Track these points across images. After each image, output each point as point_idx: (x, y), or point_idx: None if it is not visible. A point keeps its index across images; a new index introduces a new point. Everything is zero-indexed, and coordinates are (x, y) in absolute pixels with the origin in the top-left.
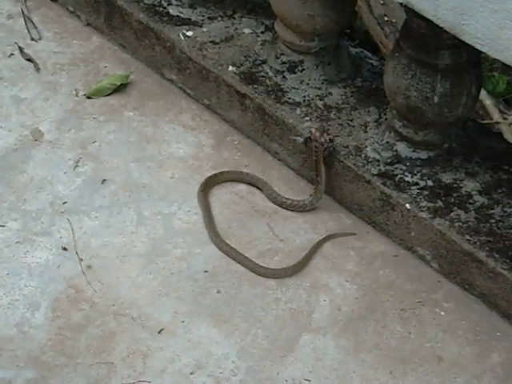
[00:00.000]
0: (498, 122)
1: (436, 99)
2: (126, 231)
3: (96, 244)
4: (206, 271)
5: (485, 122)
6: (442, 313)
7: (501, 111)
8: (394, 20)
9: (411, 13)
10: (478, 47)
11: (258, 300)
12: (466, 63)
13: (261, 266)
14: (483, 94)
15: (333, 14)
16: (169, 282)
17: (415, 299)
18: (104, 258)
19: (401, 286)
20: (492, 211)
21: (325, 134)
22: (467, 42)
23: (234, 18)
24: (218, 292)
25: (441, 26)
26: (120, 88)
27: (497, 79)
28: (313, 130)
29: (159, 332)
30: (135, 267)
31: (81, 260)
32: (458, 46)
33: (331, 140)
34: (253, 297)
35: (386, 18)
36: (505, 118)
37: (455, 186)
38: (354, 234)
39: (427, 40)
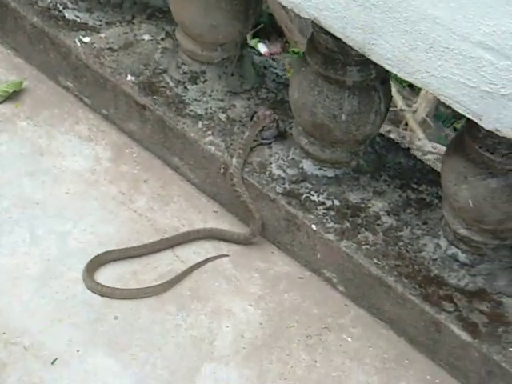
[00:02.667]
0: (402, 110)
1: (343, 117)
2: (18, 252)
3: None
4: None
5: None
6: (349, 339)
7: (405, 98)
8: None
9: (318, 28)
10: (388, 68)
11: (157, 327)
12: (375, 80)
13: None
14: None
15: (236, 23)
16: (63, 307)
17: (321, 325)
18: None
19: (307, 310)
20: (400, 233)
21: (270, 112)
22: (376, 62)
23: (133, 24)
24: (115, 318)
25: (349, 44)
26: (13, 95)
27: None
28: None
29: (52, 362)
30: (27, 291)
31: None
32: (367, 62)
33: (275, 120)
34: (152, 323)
35: None
36: (409, 106)
37: (363, 205)
38: (227, 255)
39: (335, 56)
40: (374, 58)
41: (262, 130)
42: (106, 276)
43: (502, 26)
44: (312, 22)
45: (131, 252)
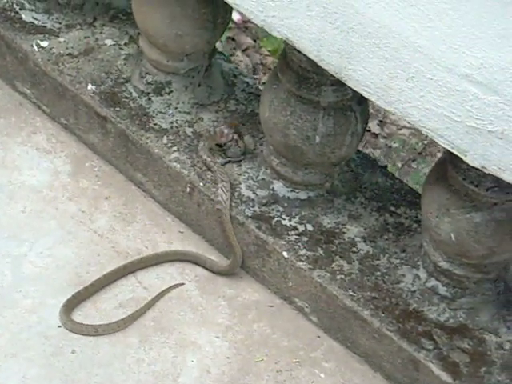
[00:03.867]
0: None
1: (317, 139)
2: None
3: None
4: (59, 326)
5: None
6: (322, 375)
7: None
8: None
9: (291, 45)
10: (366, 95)
11: (117, 361)
12: (351, 100)
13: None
14: None
15: (204, 33)
16: (17, 339)
17: (292, 358)
18: None
19: (277, 342)
20: (377, 262)
21: (228, 130)
22: (353, 88)
23: (94, 27)
24: (73, 352)
25: (324, 68)
26: None
27: None
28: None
29: None
30: None
31: None
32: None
33: (234, 139)
34: (112, 357)
35: None
36: None
37: (337, 230)
38: (182, 283)
39: (309, 75)
40: (350, 84)
41: (220, 146)
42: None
43: (490, 58)
44: (284, 42)
45: (110, 279)
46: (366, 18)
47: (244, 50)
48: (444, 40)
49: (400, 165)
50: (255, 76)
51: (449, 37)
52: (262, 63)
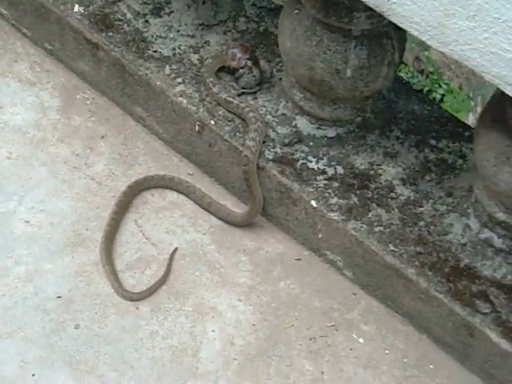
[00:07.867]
0: None
1: (349, 72)
2: None
3: None
4: (59, 297)
5: None
6: (361, 339)
7: None
8: None
9: None
10: (416, 34)
11: (128, 336)
12: (388, 25)
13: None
14: None
15: None
16: (12, 315)
17: (326, 322)
18: None
19: (307, 302)
20: (420, 209)
21: (241, 54)
22: (399, 25)
23: None
24: (77, 327)
25: (362, 0)
26: None
27: None
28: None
29: None
30: None
31: None
32: None
33: (247, 65)
34: (122, 331)
35: None
36: None
37: (372, 172)
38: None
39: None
40: (395, 20)
41: (230, 72)
42: (64, 266)
43: None
44: None
45: None
46: None
47: None
48: None
49: None
50: None
51: None
52: None
